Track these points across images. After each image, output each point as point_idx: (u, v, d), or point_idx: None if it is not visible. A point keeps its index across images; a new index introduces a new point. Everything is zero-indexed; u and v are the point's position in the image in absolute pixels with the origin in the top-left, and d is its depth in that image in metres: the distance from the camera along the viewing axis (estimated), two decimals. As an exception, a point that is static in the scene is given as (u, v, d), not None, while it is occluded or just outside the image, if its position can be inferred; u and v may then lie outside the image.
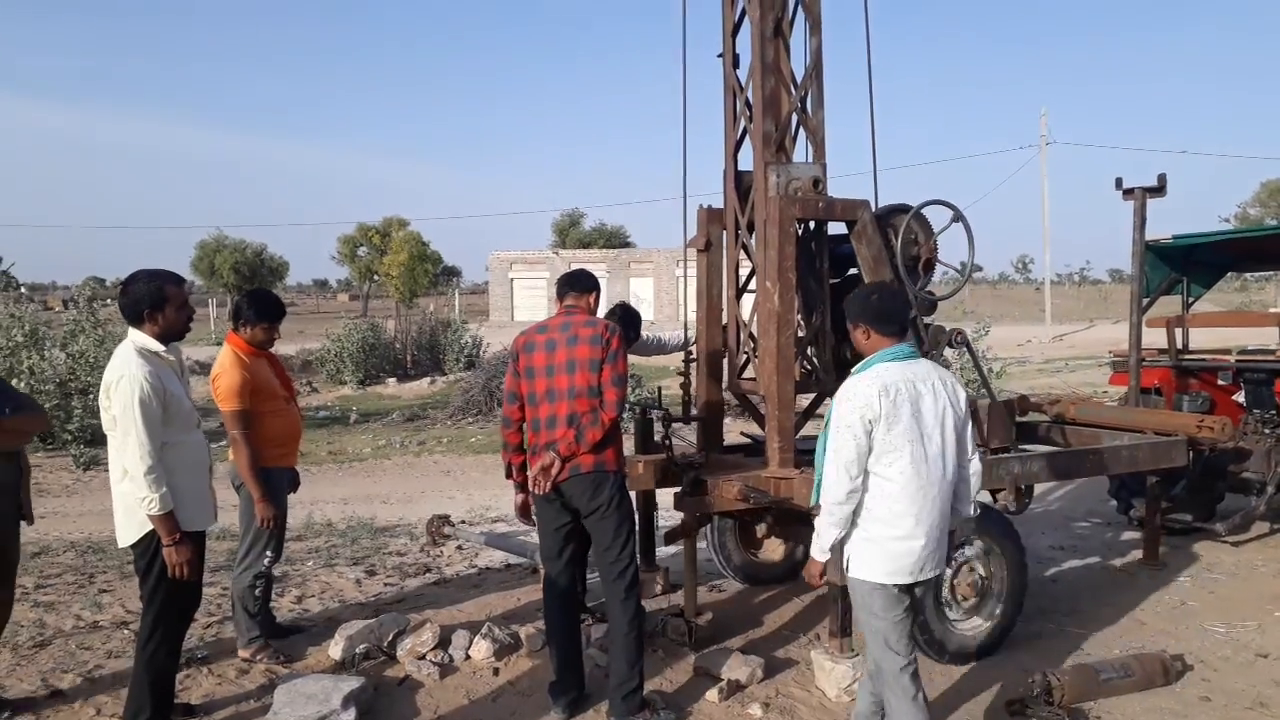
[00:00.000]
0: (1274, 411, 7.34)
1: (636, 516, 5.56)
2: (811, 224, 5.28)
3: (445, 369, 22.80)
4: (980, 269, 5.61)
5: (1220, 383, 7.82)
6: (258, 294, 5.07)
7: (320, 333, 25.89)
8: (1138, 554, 6.90)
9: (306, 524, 8.24)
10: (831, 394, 5.60)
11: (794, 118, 5.18)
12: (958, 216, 5.20)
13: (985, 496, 5.26)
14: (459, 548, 7.42)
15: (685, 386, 5.53)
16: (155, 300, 3.82)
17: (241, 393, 4.64)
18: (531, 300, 52.64)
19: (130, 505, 3.76)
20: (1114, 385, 8.21)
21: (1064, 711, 4.06)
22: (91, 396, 13.43)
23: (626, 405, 4.19)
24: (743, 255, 5.48)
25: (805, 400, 5.67)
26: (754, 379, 5.27)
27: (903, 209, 5.28)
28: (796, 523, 5.91)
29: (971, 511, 3.59)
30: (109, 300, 21.58)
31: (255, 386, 4.70)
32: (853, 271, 5.66)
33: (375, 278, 58.46)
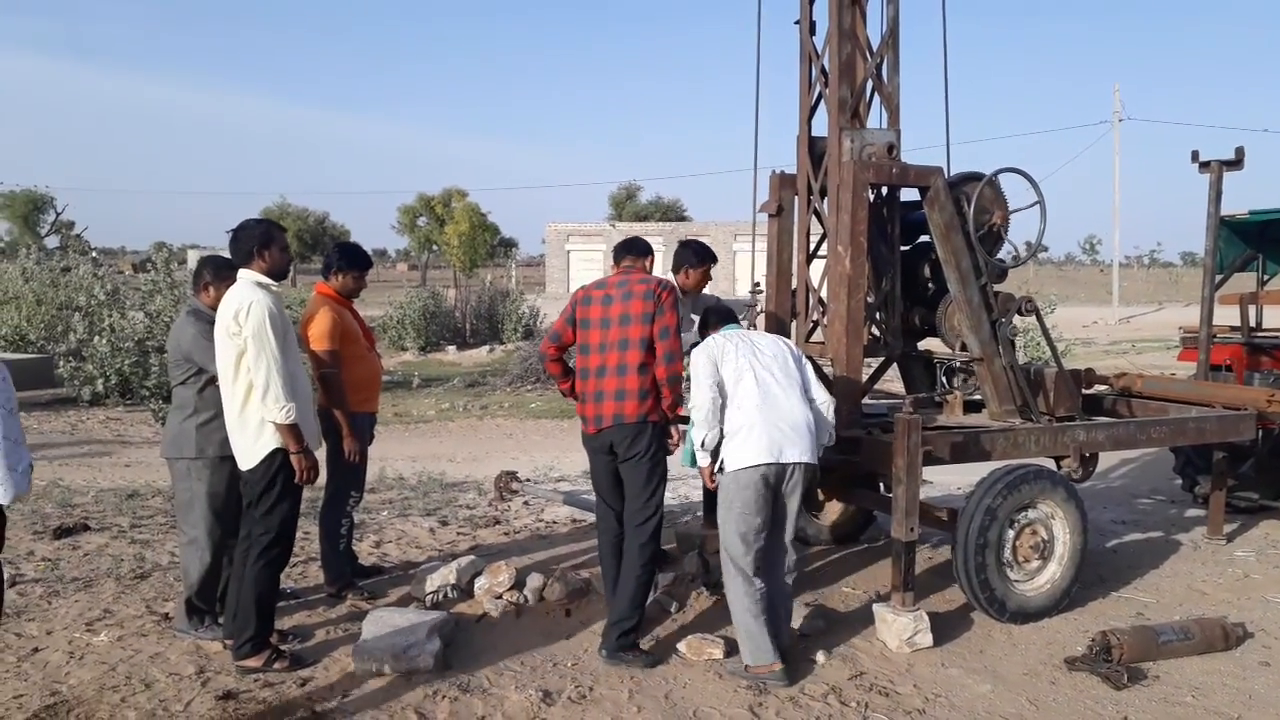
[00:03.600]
0: (1349, 391, 7.24)
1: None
2: (884, 190, 5.36)
3: (504, 338, 23.17)
4: (1046, 249, 5.64)
5: (1294, 361, 7.72)
6: (347, 245, 5.42)
7: (381, 300, 26.41)
8: (1200, 529, 6.89)
9: (379, 478, 8.56)
10: (898, 360, 5.74)
11: (869, 84, 5.25)
12: (1033, 188, 5.23)
13: (1049, 463, 5.34)
14: (525, 503, 7.66)
15: (752, 320, 5.68)
16: (264, 240, 4.17)
17: (333, 334, 4.92)
18: (588, 272, 52.87)
19: (255, 428, 4.05)
20: (1182, 362, 8.14)
21: (1123, 669, 4.15)
22: (167, 355, 13.99)
23: (680, 355, 4.38)
24: (814, 221, 5.57)
25: (872, 366, 5.76)
26: (822, 343, 5.38)
27: (975, 176, 5.34)
28: (858, 484, 6.04)
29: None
30: (183, 262, 22.29)
31: (342, 332, 4.97)
32: (923, 239, 5.73)
33: (434, 248, 59.22)
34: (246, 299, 4.02)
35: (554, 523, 7.03)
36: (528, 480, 8.44)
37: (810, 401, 4.31)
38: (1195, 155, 6.77)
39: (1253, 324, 7.86)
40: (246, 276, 4.16)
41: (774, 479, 4.13)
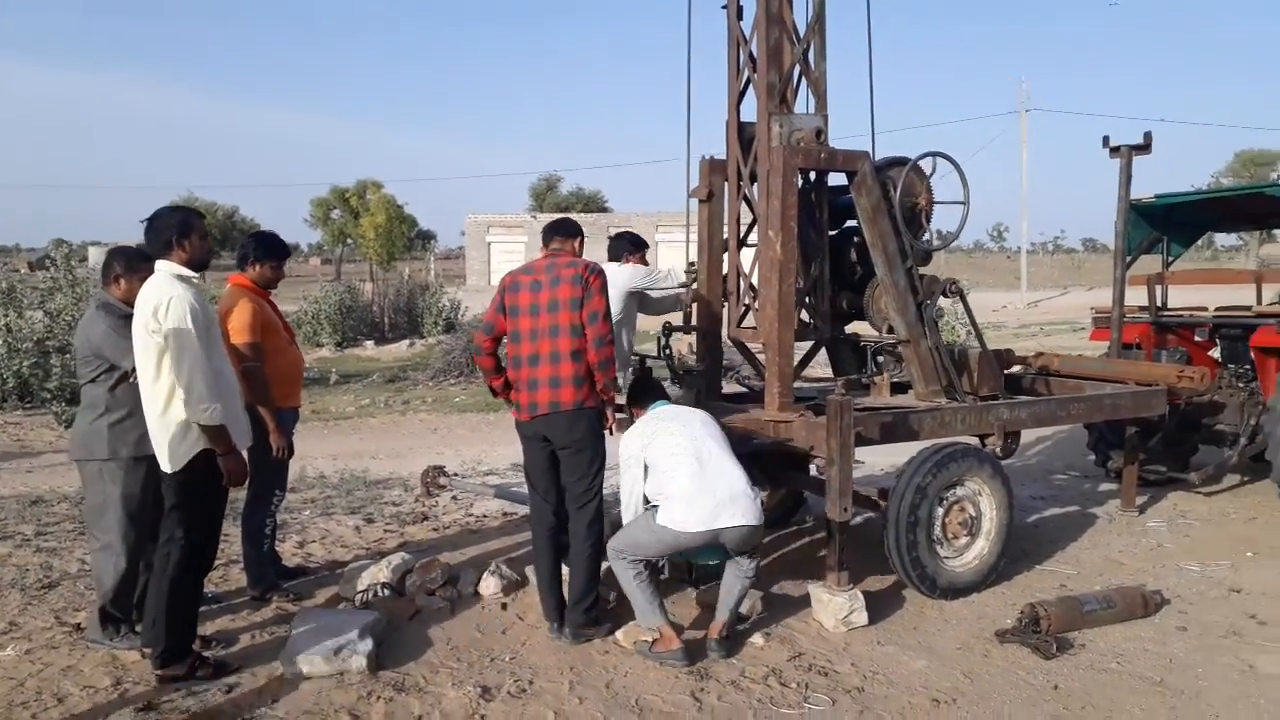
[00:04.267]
0: (1248, 366, 7.59)
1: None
2: (812, 175, 5.39)
3: (424, 332, 22.81)
4: (954, 240, 5.65)
5: (1197, 339, 8.06)
6: (264, 234, 5.26)
7: (294, 295, 25.67)
8: (1114, 503, 7.14)
9: (299, 477, 8.30)
10: (826, 344, 5.78)
11: (796, 69, 5.26)
12: (956, 171, 5.32)
13: (974, 441, 5.46)
14: (454, 498, 7.53)
15: (687, 300, 5.67)
16: (183, 228, 3.97)
17: (254, 326, 4.75)
18: (509, 264, 52.09)
19: (179, 429, 3.86)
20: (1094, 341, 8.41)
21: (1051, 639, 4.26)
22: (69, 355, 13.35)
23: (610, 339, 4.35)
24: (744, 207, 5.58)
25: (801, 350, 5.80)
26: (754, 328, 5.39)
27: (900, 161, 5.40)
28: (789, 468, 6.08)
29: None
30: (84, 259, 21.34)
31: (264, 323, 4.80)
32: (850, 223, 5.79)
33: (349, 241, 57.95)
34: (165, 293, 3.81)
35: (484, 517, 6.92)
36: (455, 475, 8.30)
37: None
38: (1106, 140, 6.99)
39: (1159, 303, 8.17)
40: (164, 268, 3.95)
41: (708, 540, 4.19)
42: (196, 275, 4.02)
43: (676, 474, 4.16)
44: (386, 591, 4.92)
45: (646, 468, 4.28)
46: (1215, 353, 8.15)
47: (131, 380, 4.10)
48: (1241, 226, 9.45)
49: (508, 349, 4.44)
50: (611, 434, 4.45)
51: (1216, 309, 8.08)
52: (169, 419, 3.86)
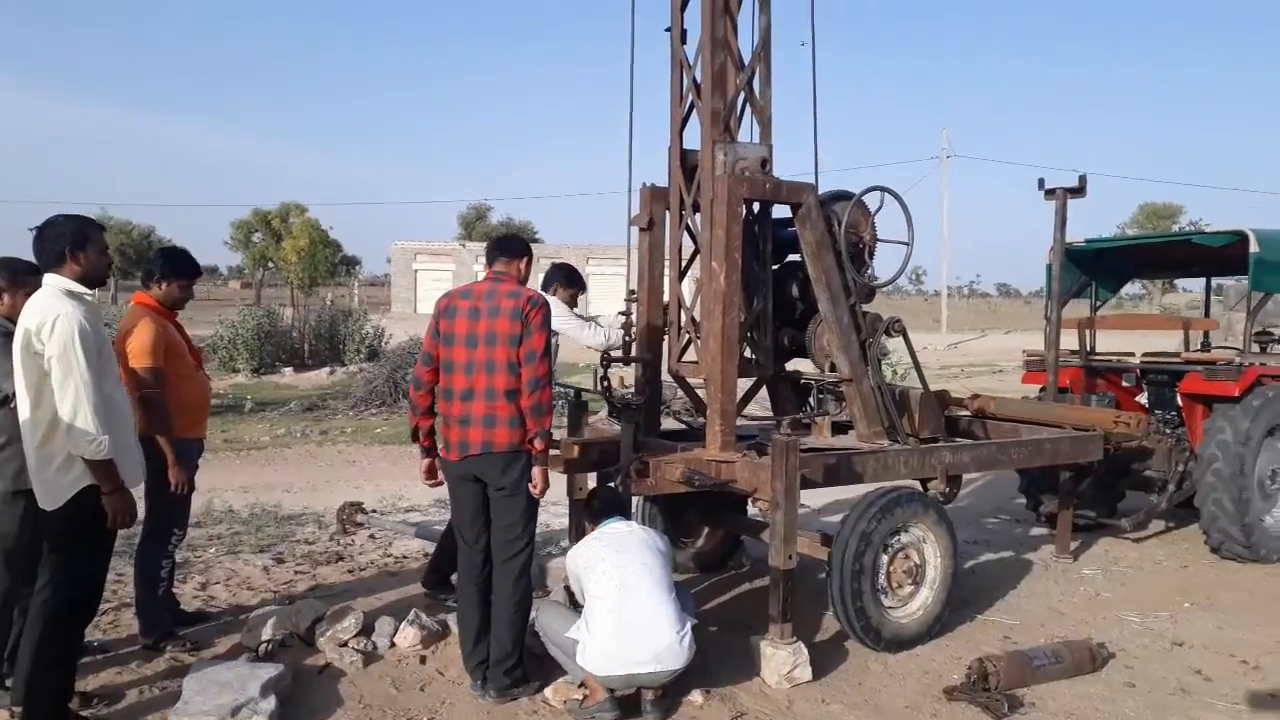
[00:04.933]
0: (1174, 412, 7.65)
1: (567, 500, 5.45)
2: (756, 206, 5.22)
3: (345, 359, 22.15)
4: (898, 278, 5.59)
5: (1124, 384, 8.12)
6: (172, 250, 4.90)
7: (212, 319, 24.77)
8: (1048, 548, 7.09)
9: (206, 510, 7.79)
10: (768, 380, 5.59)
11: (741, 96, 5.11)
12: (900, 206, 5.21)
13: (916, 484, 5.31)
14: (371, 536, 7.12)
15: (626, 326, 5.39)
16: (77, 240, 3.58)
17: (156, 349, 4.37)
18: (437, 292, 51.00)
19: (61, 462, 3.46)
20: (1025, 384, 8.42)
21: (1002, 698, 4.08)
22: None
23: (550, 382, 4.07)
24: (685, 237, 5.38)
25: (743, 386, 5.59)
26: (695, 362, 5.17)
27: (845, 195, 5.28)
28: (727, 509, 5.86)
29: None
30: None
31: (167, 347, 4.41)
32: (792, 257, 5.63)
33: (270, 265, 56.50)
34: (51, 311, 3.42)
35: (404, 558, 6.53)
36: (373, 511, 7.87)
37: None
38: (1041, 183, 7.01)
39: (1088, 348, 8.21)
40: (53, 283, 3.55)
41: (625, 683, 3.88)
42: (90, 292, 3.63)
43: (595, 614, 3.85)
44: (294, 642, 4.52)
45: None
46: (1142, 398, 8.22)
47: (11, 406, 3.68)
48: (1165, 274, 9.65)
49: (440, 380, 4.11)
50: (537, 493, 4.10)
51: (1144, 355, 8.17)
52: (49, 451, 3.45)
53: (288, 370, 21.22)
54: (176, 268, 4.66)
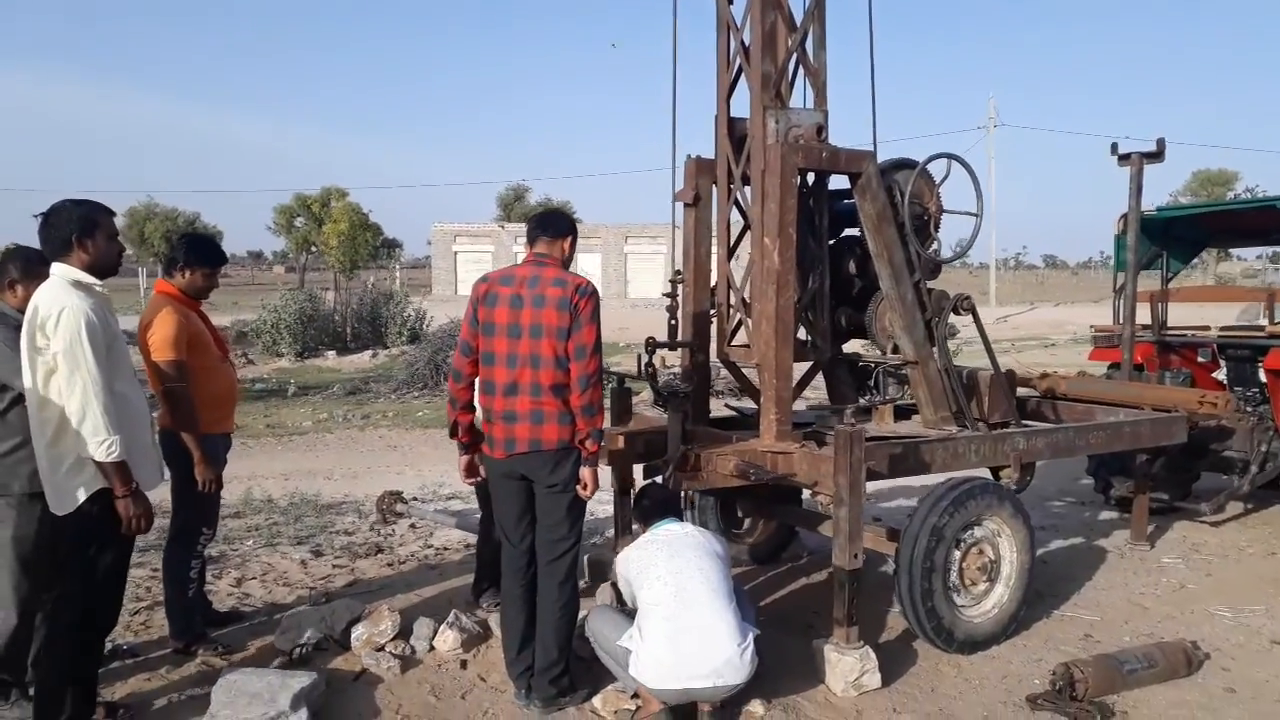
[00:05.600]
0: (1256, 390, 7.19)
1: (612, 493, 5.18)
2: (810, 177, 4.87)
3: (387, 342, 22.08)
4: (967, 252, 5.20)
5: (1200, 360, 7.65)
6: (196, 237, 4.64)
7: (256, 304, 24.89)
8: (1120, 533, 6.69)
9: (245, 500, 7.64)
10: (825, 363, 5.25)
11: (793, 60, 4.74)
12: (969, 175, 4.82)
13: (986, 473, 4.96)
14: (412, 526, 6.91)
15: (672, 309, 4.99)
16: (85, 226, 3.35)
17: (179, 341, 4.12)
18: (477, 274, 51.15)
19: (70, 464, 3.25)
20: (1093, 361, 7.97)
21: (1092, 707, 3.74)
22: None
23: (602, 379, 3.76)
24: (734, 212, 5.03)
25: (798, 370, 5.26)
26: (746, 346, 4.84)
27: (908, 163, 4.90)
28: (781, 500, 5.55)
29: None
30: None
31: (190, 338, 4.19)
32: (848, 232, 5.27)
33: (313, 249, 56.79)
34: (56, 304, 3.20)
35: (445, 549, 6.30)
36: (414, 500, 7.68)
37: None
38: (1115, 147, 6.56)
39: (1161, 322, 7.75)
40: (61, 274, 3.33)
41: (681, 698, 3.57)
42: (100, 282, 3.40)
43: (650, 623, 3.56)
44: (328, 645, 4.31)
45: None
46: (1219, 374, 7.75)
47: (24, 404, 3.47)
48: (1243, 242, 9.09)
49: (480, 372, 3.80)
50: (587, 495, 3.80)
51: (1221, 329, 7.69)
52: (59, 452, 3.24)
53: (330, 354, 21.21)
54: (200, 255, 4.42)
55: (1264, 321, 8.70)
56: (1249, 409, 6.85)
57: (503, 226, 53.64)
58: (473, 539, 6.27)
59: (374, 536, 6.67)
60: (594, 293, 3.70)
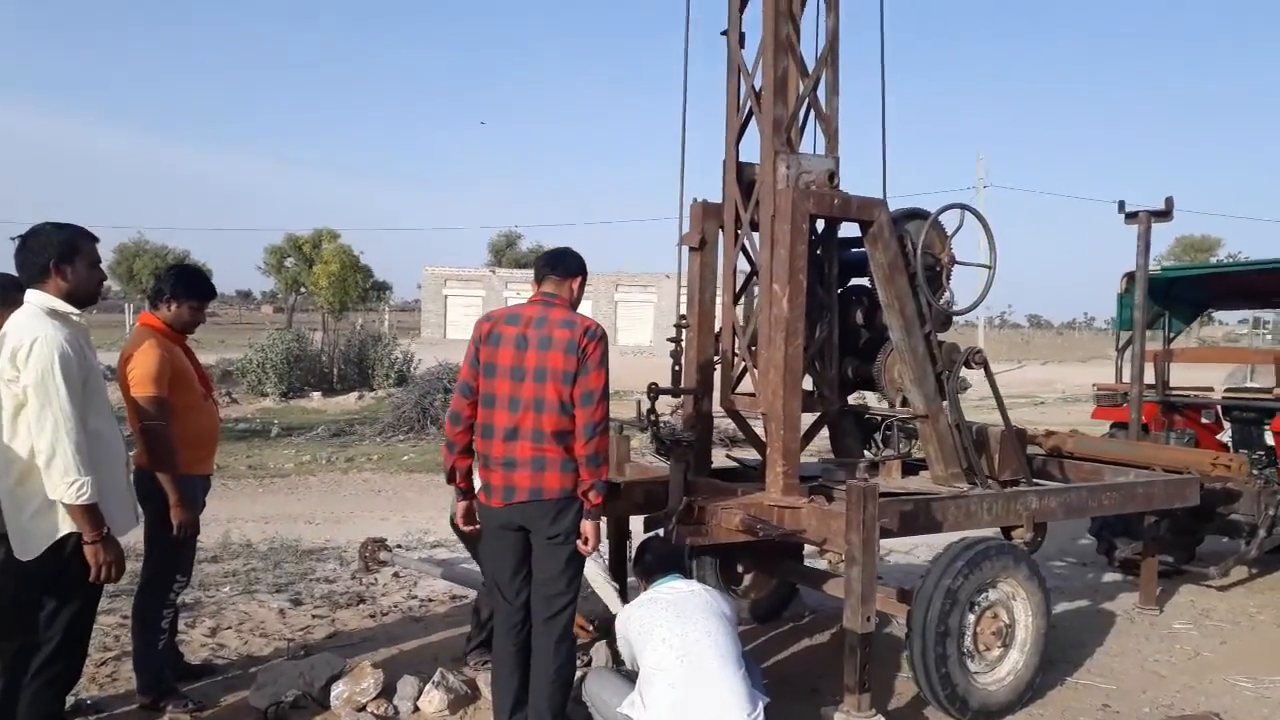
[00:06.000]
0: (1262, 453, 7.07)
1: (605, 545, 4.97)
2: (819, 224, 4.75)
3: (374, 384, 21.82)
4: (979, 305, 5.09)
5: (1204, 420, 7.54)
6: (185, 269, 4.46)
7: (242, 343, 24.62)
8: (1127, 596, 6.51)
9: (223, 544, 7.38)
10: (833, 414, 5.09)
11: (804, 105, 4.65)
12: (981, 225, 4.72)
13: (998, 533, 4.79)
14: (395, 575, 6.66)
15: (676, 355, 4.82)
16: (65, 251, 3.18)
17: (160, 376, 3.91)
18: (466, 318, 51.45)
19: (38, 506, 3.03)
20: (1097, 419, 7.85)
21: (1117, 786, 3.53)
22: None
23: (607, 426, 3.57)
24: (741, 258, 4.91)
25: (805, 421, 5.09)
26: (751, 394, 4.68)
27: (919, 214, 4.80)
28: (783, 556, 5.35)
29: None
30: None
31: (173, 374, 3.99)
32: (855, 281, 5.15)
33: (302, 289, 56.68)
34: (30, 333, 3.02)
35: (429, 600, 6.06)
36: (398, 547, 7.41)
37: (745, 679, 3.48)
38: (1122, 205, 6.49)
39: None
40: (35, 301, 3.16)
41: None
42: (78, 312, 3.22)
43: (653, 689, 3.35)
44: (306, 702, 4.06)
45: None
46: (1223, 436, 7.63)
47: None
48: (1245, 304, 9.05)
49: (479, 414, 3.61)
50: (588, 550, 3.60)
51: (1226, 390, 7.59)
52: (25, 493, 3.03)
53: (316, 395, 20.92)
54: (189, 287, 4.23)
55: (1254, 383, 8.63)
56: (1255, 471, 6.73)
57: (493, 271, 53.71)
58: (459, 590, 6.03)
59: (356, 585, 6.42)
60: (603, 336, 3.54)
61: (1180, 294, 7.93)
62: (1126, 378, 7.99)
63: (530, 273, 3.91)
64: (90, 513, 3.02)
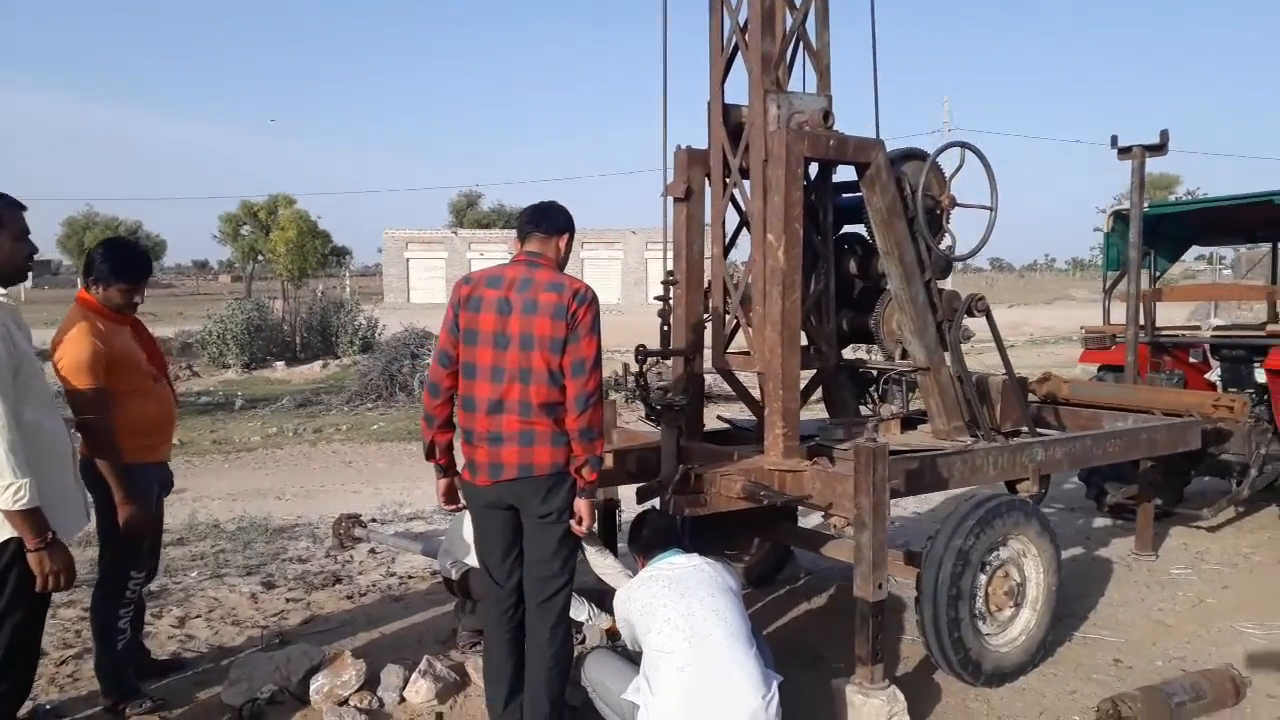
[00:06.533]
0: (1252, 391, 6.96)
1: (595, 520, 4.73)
2: (814, 168, 4.47)
3: (338, 352, 21.38)
4: (979, 250, 4.86)
5: (1192, 360, 7.42)
6: (114, 246, 3.87)
7: (202, 314, 23.97)
8: (1120, 542, 6.42)
9: (189, 525, 7.06)
10: (829, 370, 4.85)
11: (793, 40, 4.34)
12: (983, 165, 4.47)
13: (1001, 487, 4.61)
14: (372, 551, 6.39)
15: (664, 314, 4.49)
16: None
17: (93, 366, 3.48)
18: (429, 282, 50.77)
19: None
20: (1084, 363, 7.71)
21: (1145, 749, 3.38)
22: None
23: (600, 396, 3.28)
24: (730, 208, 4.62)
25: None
26: (745, 353, 4.42)
27: (917, 154, 4.54)
28: (777, 518, 5.14)
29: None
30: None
31: (112, 359, 3.57)
32: (847, 229, 4.89)
33: (260, 257, 55.42)
34: None
35: (409, 578, 5.80)
36: (373, 521, 7.14)
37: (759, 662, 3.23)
38: (1114, 140, 6.28)
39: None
40: None
41: None
42: (3, 291, 2.87)
43: (660, 674, 3.10)
44: (284, 697, 3.80)
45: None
46: (1212, 375, 7.53)
47: None
48: (1229, 239, 8.92)
49: (461, 385, 3.31)
50: (582, 530, 3.34)
51: (1214, 329, 7.47)
52: None
53: (279, 365, 20.45)
54: (116, 269, 3.71)
55: (1218, 320, 8.56)
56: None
57: (455, 233, 52.85)
58: (436, 565, 5.78)
59: (331, 564, 6.14)
60: (594, 299, 3.23)
61: (1166, 230, 7.77)
62: (1115, 319, 7.87)
63: (494, 233, 3.60)
64: (31, 518, 2.70)
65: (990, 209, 4.58)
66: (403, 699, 3.79)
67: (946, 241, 4.63)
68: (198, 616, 5.10)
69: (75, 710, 3.86)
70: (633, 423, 8.61)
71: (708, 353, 4.69)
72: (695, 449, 4.35)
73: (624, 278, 49.91)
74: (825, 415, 5.14)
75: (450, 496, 3.49)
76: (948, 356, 4.50)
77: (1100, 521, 7.13)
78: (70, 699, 3.98)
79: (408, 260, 52.37)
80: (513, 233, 3.51)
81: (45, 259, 78.10)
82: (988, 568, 3.99)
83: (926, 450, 4.22)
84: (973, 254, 4.63)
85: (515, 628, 3.37)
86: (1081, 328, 7.99)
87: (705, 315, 4.65)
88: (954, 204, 4.55)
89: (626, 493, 4.60)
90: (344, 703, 3.70)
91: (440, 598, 5.28)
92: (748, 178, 4.35)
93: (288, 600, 5.37)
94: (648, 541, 3.58)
